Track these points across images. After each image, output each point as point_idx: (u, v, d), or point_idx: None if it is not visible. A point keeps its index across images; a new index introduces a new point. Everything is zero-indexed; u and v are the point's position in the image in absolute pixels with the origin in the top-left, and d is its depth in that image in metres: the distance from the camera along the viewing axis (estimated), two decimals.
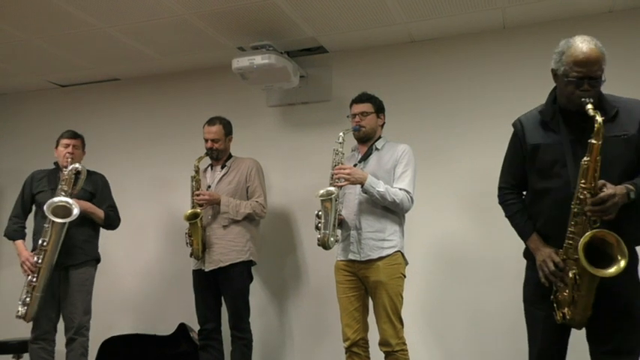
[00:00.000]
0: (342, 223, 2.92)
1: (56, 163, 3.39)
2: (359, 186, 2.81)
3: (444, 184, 3.62)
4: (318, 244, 2.82)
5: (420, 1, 3.26)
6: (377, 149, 2.98)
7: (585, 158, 1.90)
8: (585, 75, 1.93)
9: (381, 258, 2.79)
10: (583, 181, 1.91)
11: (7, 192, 4.58)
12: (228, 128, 3.47)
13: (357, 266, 2.85)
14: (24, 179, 3.47)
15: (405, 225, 2.95)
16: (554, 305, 2.05)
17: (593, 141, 1.88)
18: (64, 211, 3.05)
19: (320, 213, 2.84)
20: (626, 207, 1.93)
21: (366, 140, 3.01)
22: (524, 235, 2.19)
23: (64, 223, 3.04)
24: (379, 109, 3.02)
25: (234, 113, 3.71)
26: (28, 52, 3.97)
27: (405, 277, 2.86)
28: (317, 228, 2.84)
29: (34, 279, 3.03)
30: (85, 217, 3.25)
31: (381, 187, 2.77)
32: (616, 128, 1.99)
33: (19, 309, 3.04)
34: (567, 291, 1.98)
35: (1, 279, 4.55)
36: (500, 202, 2.32)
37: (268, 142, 4.09)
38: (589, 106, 1.89)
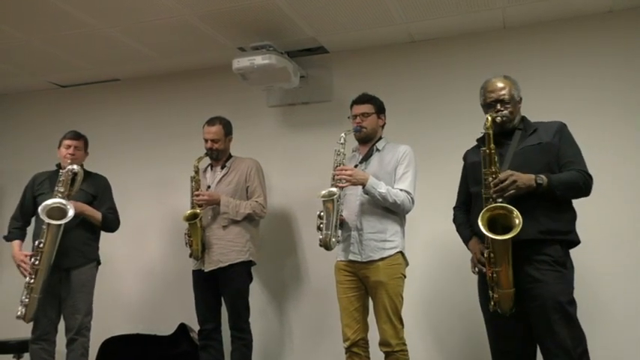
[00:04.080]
0: (342, 224, 2.92)
1: (58, 165, 3.39)
2: (360, 187, 2.81)
3: (445, 185, 3.60)
4: (320, 245, 2.82)
5: (420, 1, 3.26)
6: (378, 150, 2.98)
7: (482, 148, 2.35)
8: (496, 99, 2.45)
9: (382, 259, 2.80)
10: (484, 169, 2.33)
11: (8, 192, 4.58)
12: (228, 128, 3.47)
13: (357, 266, 2.86)
14: (24, 180, 3.48)
15: (405, 225, 2.95)
16: (491, 297, 2.32)
17: (485, 131, 2.32)
18: (59, 212, 3.04)
19: (322, 214, 2.84)
20: (540, 199, 2.27)
21: (367, 141, 3.01)
22: (465, 241, 2.60)
23: (60, 225, 3.04)
24: (380, 109, 3.02)
25: (234, 113, 3.71)
26: (29, 52, 3.97)
27: (405, 277, 2.86)
28: (319, 229, 2.83)
29: (32, 280, 3.04)
30: (83, 220, 3.25)
31: (382, 188, 2.78)
32: (534, 139, 2.42)
33: (19, 309, 3.04)
34: (489, 273, 2.30)
35: (2, 279, 4.55)
36: (453, 220, 2.74)
37: (268, 142, 4.09)
38: (489, 117, 2.35)
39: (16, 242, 3.27)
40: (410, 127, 3.66)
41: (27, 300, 3.03)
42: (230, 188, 3.37)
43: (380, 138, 3.03)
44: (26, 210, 3.37)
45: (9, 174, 4.69)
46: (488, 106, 2.48)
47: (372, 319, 2.88)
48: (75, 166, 3.18)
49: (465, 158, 2.71)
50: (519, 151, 2.39)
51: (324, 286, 3.61)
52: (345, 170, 2.82)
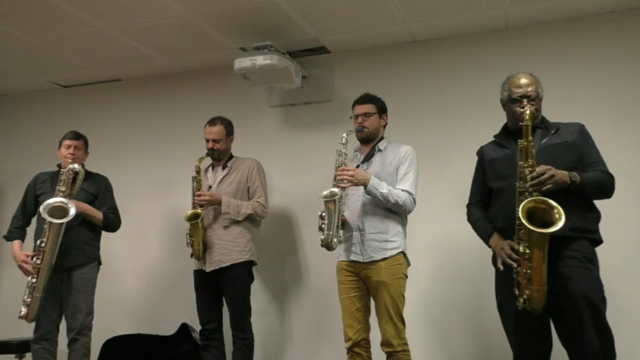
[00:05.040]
0: (344, 224, 2.92)
1: (59, 165, 3.39)
2: (362, 187, 2.81)
3: (446, 185, 3.61)
4: (322, 245, 2.82)
5: (421, 1, 3.26)
6: (380, 150, 2.98)
7: (520, 140, 2.28)
8: (523, 94, 2.40)
9: (384, 259, 2.80)
10: (522, 162, 2.27)
11: (9, 192, 4.60)
12: (229, 128, 3.47)
13: (359, 267, 2.85)
14: (26, 179, 3.48)
15: (407, 226, 2.94)
16: (517, 295, 2.25)
17: (525, 123, 2.26)
18: (60, 212, 3.05)
19: (323, 214, 2.84)
20: (570, 196, 2.23)
21: (369, 141, 3.00)
22: (485, 237, 2.52)
23: (62, 224, 3.04)
24: (382, 109, 3.02)
25: (236, 114, 3.71)
26: (31, 53, 3.97)
27: (406, 277, 2.86)
28: (320, 229, 2.83)
29: (34, 280, 3.04)
30: (84, 219, 3.26)
31: (384, 188, 2.77)
32: (557, 138, 2.40)
33: (22, 309, 3.04)
34: (522, 269, 2.21)
35: (3, 279, 4.57)
36: (467, 216, 2.68)
37: (270, 142, 4.09)
38: (527, 111, 2.30)
39: (17, 242, 3.28)
40: (412, 127, 3.66)
41: (29, 300, 3.04)
42: (231, 188, 3.37)
43: (382, 138, 3.03)
44: (27, 209, 3.38)
45: (10, 174, 4.70)
46: (513, 101, 2.43)
47: (373, 319, 2.88)
48: (76, 166, 3.19)
49: (480, 154, 2.66)
50: (544, 148, 2.36)
51: (325, 286, 3.62)
52: (347, 170, 2.81)
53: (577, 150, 2.37)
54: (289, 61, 3.68)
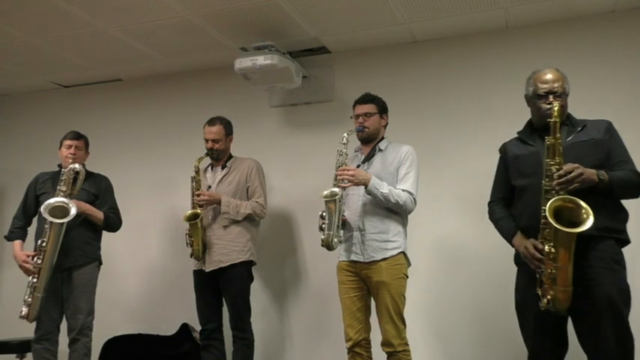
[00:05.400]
0: (344, 224, 2.92)
1: (59, 166, 3.39)
2: (362, 187, 2.81)
3: (447, 185, 3.62)
4: (322, 245, 2.82)
5: (422, 1, 3.26)
6: (380, 150, 2.97)
7: (548, 137, 2.21)
8: (549, 90, 2.34)
9: (384, 259, 2.79)
10: (549, 159, 2.21)
11: (10, 192, 4.60)
12: (228, 128, 3.47)
13: (359, 267, 2.85)
14: (26, 180, 3.48)
15: (407, 226, 2.95)
16: (540, 295, 2.20)
17: (553, 120, 2.19)
18: (61, 211, 3.05)
19: (324, 214, 2.84)
20: (597, 195, 2.17)
21: (370, 141, 3.00)
22: (508, 236, 2.44)
23: (63, 224, 3.04)
24: (382, 109, 3.02)
25: (236, 114, 3.71)
26: (31, 53, 3.97)
27: (407, 277, 2.86)
28: (321, 229, 2.83)
29: (35, 279, 3.04)
30: (85, 219, 3.26)
31: (384, 188, 2.77)
32: (584, 136, 2.34)
33: (22, 309, 3.04)
34: (547, 269, 2.15)
35: (4, 279, 4.57)
36: (489, 214, 2.61)
37: (270, 142, 4.09)
38: (555, 107, 2.22)
39: (18, 242, 3.28)
40: (412, 127, 3.66)
41: (30, 299, 3.04)
42: (230, 188, 3.37)
43: (382, 138, 3.02)
44: (28, 209, 3.38)
45: (10, 174, 4.70)
46: (538, 97, 2.36)
47: (374, 319, 2.88)
48: (77, 166, 3.19)
49: (503, 151, 2.58)
50: (570, 145, 2.29)
51: (325, 287, 3.62)
52: (348, 170, 2.81)
53: (604, 148, 2.31)
54: (290, 61, 3.68)
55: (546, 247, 2.15)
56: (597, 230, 2.14)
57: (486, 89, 3.64)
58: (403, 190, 2.82)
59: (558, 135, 2.20)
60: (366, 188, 2.79)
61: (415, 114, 3.74)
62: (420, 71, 3.82)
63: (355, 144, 3.10)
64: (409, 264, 2.89)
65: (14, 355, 3.78)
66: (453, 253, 3.59)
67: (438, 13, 3.42)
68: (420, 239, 3.39)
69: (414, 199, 2.84)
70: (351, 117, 3.05)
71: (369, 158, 2.98)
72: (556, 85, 2.34)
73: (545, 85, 2.35)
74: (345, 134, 2.94)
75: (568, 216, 2.11)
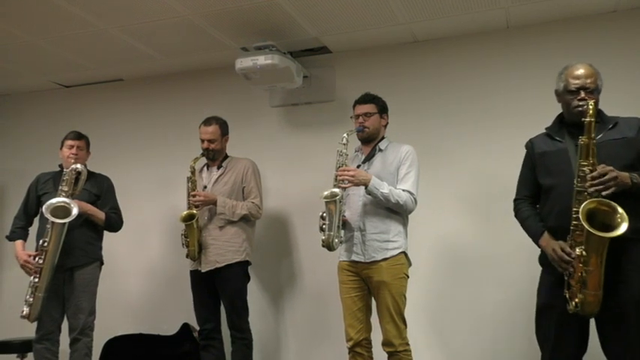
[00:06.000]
0: (345, 225, 2.93)
1: (60, 166, 3.39)
2: (363, 187, 2.81)
3: (447, 185, 3.62)
4: (323, 246, 2.83)
5: (423, 1, 3.26)
6: (380, 150, 2.98)
7: (582, 137, 2.13)
8: (581, 86, 2.27)
9: (385, 259, 2.80)
10: (582, 160, 2.13)
11: (10, 192, 4.60)
12: (224, 128, 3.45)
13: (360, 267, 2.86)
14: (27, 180, 3.49)
15: (408, 226, 2.95)
16: (567, 297, 2.14)
17: (588, 119, 2.11)
18: (63, 211, 3.05)
19: (324, 214, 2.84)
20: (630, 198, 2.11)
21: (370, 141, 3.01)
22: (535, 236, 2.36)
23: (64, 224, 3.05)
24: (382, 109, 3.02)
25: (237, 113, 3.72)
26: (32, 52, 3.98)
27: (408, 277, 2.86)
28: (321, 229, 2.84)
29: (37, 279, 3.05)
30: (86, 219, 3.26)
31: (385, 188, 2.77)
32: (616, 134, 2.26)
33: (24, 309, 3.05)
34: (577, 272, 2.09)
35: (5, 279, 4.57)
36: (515, 212, 2.51)
37: (271, 142, 4.09)
38: (591, 106, 2.12)
39: (19, 242, 3.29)
40: (412, 127, 3.65)
41: (31, 299, 3.04)
42: (226, 188, 3.37)
43: (382, 138, 3.03)
44: (30, 209, 3.39)
45: (11, 174, 4.70)
46: (569, 92, 2.29)
47: (375, 319, 2.88)
48: (79, 166, 3.19)
49: (530, 147, 2.48)
50: (601, 144, 2.18)
51: (324, 287, 3.62)
52: (348, 171, 2.81)
53: (636, 147, 2.23)
54: (290, 61, 3.68)
55: (577, 250, 2.09)
56: (630, 232, 2.07)
57: (486, 89, 3.64)
58: (403, 190, 2.82)
59: (593, 135, 2.11)
60: (366, 188, 2.79)
61: (415, 114, 3.74)
62: (420, 71, 3.82)
63: (355, 144, 3.10)
64: (410, 264, 2.89)
65: (15, 355, 3.78)
66: (453, 253, 3.60)
67: (438, 13, 3.42)
68: (420, 239, 3.39)
69: (415, 198, 2.85)
70: (351, 117, 3.06)
71: (369, 158, 2.98)
72: (588, 80, 2.26)
73: (577, 81, 2.28)
74: (345, 134, 2.95)
75: (601, 219, 2.05)
